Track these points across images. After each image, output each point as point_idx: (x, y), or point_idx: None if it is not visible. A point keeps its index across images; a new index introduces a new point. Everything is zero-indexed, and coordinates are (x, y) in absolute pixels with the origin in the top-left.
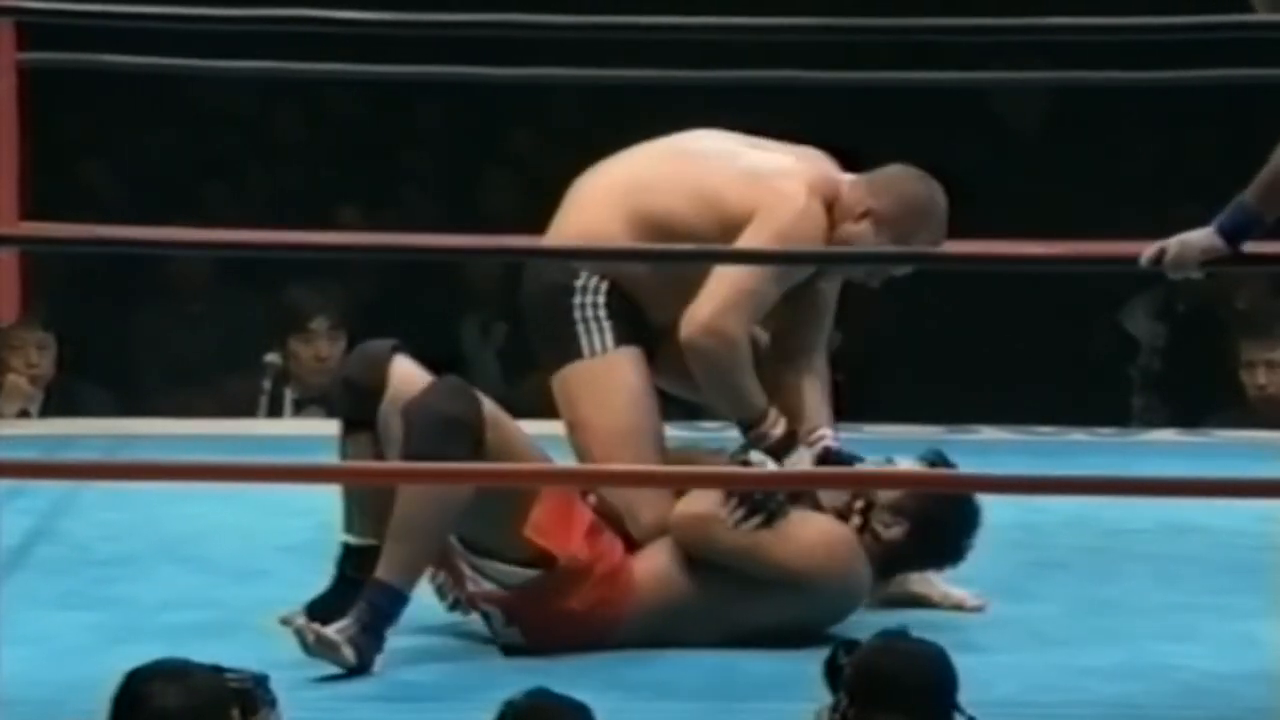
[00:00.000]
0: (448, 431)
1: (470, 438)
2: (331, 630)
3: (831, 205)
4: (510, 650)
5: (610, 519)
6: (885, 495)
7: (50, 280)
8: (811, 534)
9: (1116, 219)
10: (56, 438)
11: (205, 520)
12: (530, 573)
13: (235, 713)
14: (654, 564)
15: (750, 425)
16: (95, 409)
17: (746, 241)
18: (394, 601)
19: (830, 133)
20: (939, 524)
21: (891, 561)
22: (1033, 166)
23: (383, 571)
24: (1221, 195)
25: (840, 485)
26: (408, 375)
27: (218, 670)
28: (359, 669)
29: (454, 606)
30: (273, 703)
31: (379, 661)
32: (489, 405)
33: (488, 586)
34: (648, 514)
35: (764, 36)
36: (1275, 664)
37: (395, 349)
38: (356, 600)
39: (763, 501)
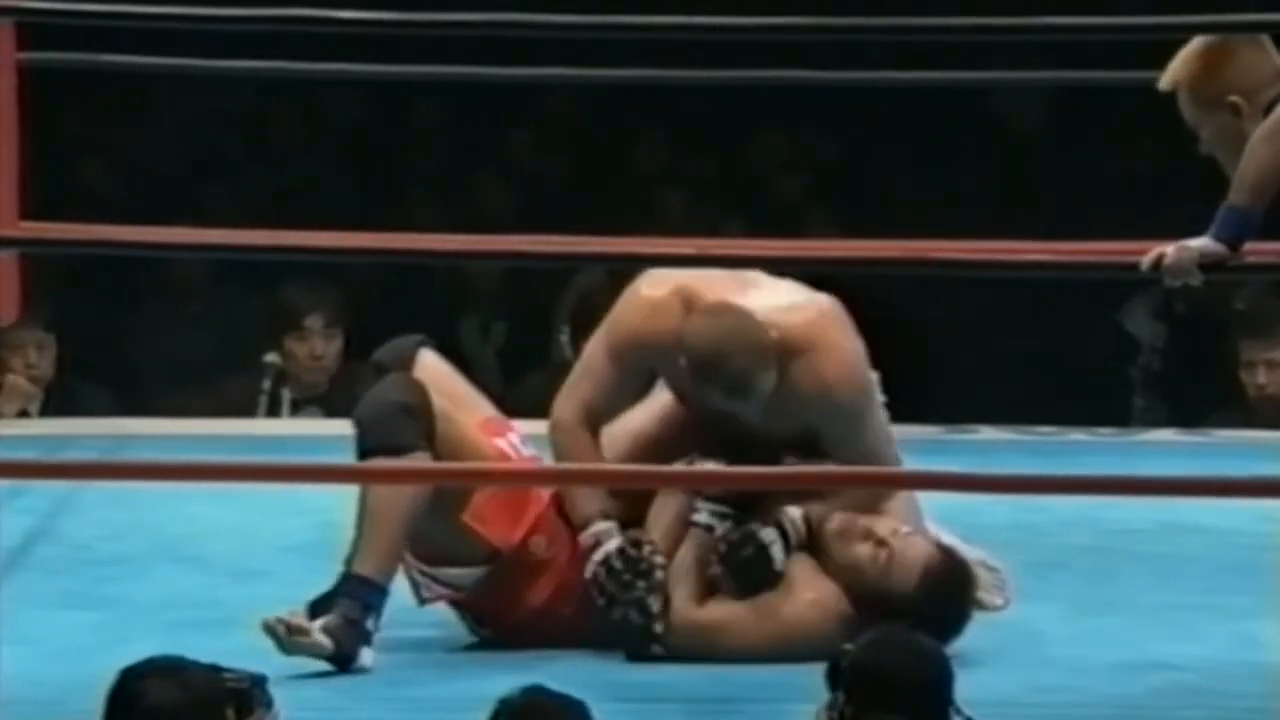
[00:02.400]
0: (396, 418)
1: (420, 424)
2: (304, 621)
3: None
4: (505, 647)
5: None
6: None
7: (49, 280)
8: (813, 616)
9: (1116, 219)
10: (56, 438)
11: (205, 520)
12: (480, 571)
13: (230, 712)
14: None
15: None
16: (95, 409)
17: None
18: (372, 594)
19: (831, 132)
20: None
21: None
22: (1033, 166)
23: (358, 565)
24: (1221, 196)
25: (837, 485)
26: (433, 368)
27: (215, 670)
28: (340, 659)
29: (424, 602)
30: (269, 703)
31: (372, 658)
32: (440, 401)
33: (442, 592)
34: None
35: (764, 36)
36: (1274, 664)
37: (422, 343)
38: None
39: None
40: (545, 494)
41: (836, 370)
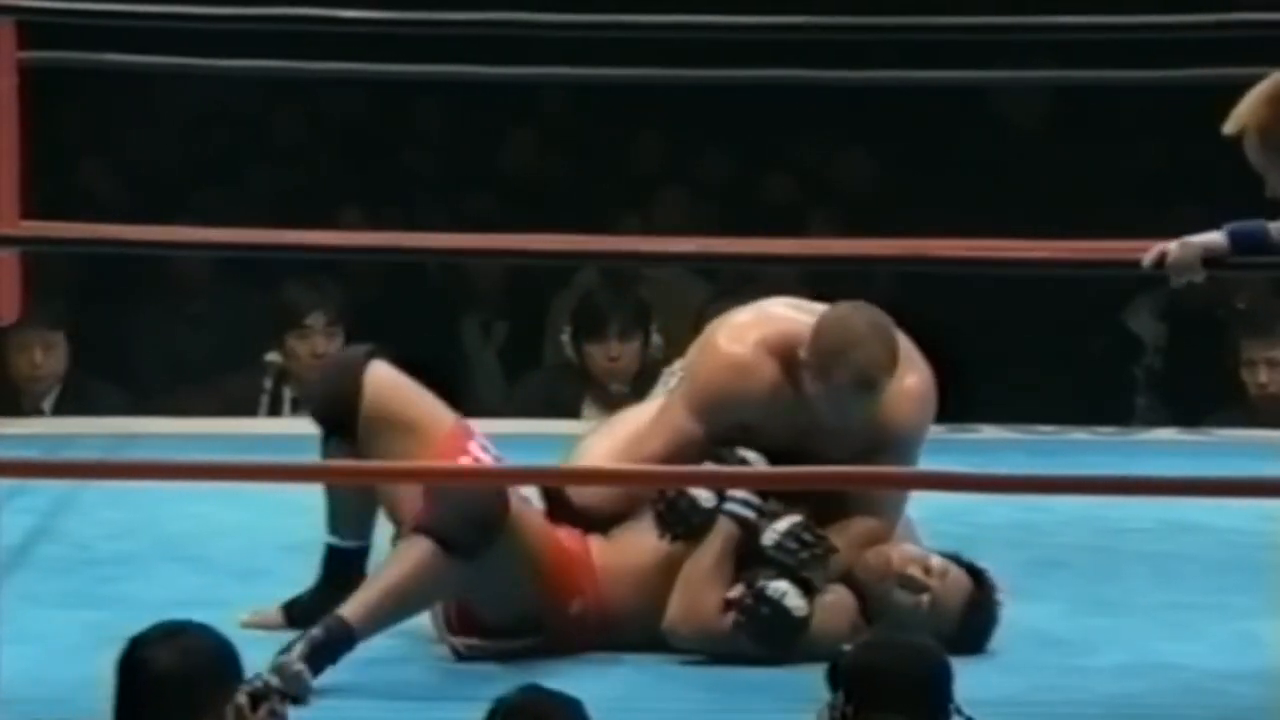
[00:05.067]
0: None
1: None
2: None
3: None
4: None
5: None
6: None
7: (49, 280)
8: (822, 616)
9: (1117, 219)
10: (58, 436)
11: (206, 520)
12: (526, 641)
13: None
14: (623, 558)
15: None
16: (107, 408)
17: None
18: (344, 643)
19: (832, 131)
20: None
21: None
22: (1034, 166)
23: (348, 609)
24: (1222, 195)
25: (836, 484)
26: (384, 380)
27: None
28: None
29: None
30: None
31: (368, 656)
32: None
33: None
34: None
35: (763, 36)
36: (1275, 663)
37: (371, 354)
38: (318, 621)
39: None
40: (581, 547)
41: (919, 379)
